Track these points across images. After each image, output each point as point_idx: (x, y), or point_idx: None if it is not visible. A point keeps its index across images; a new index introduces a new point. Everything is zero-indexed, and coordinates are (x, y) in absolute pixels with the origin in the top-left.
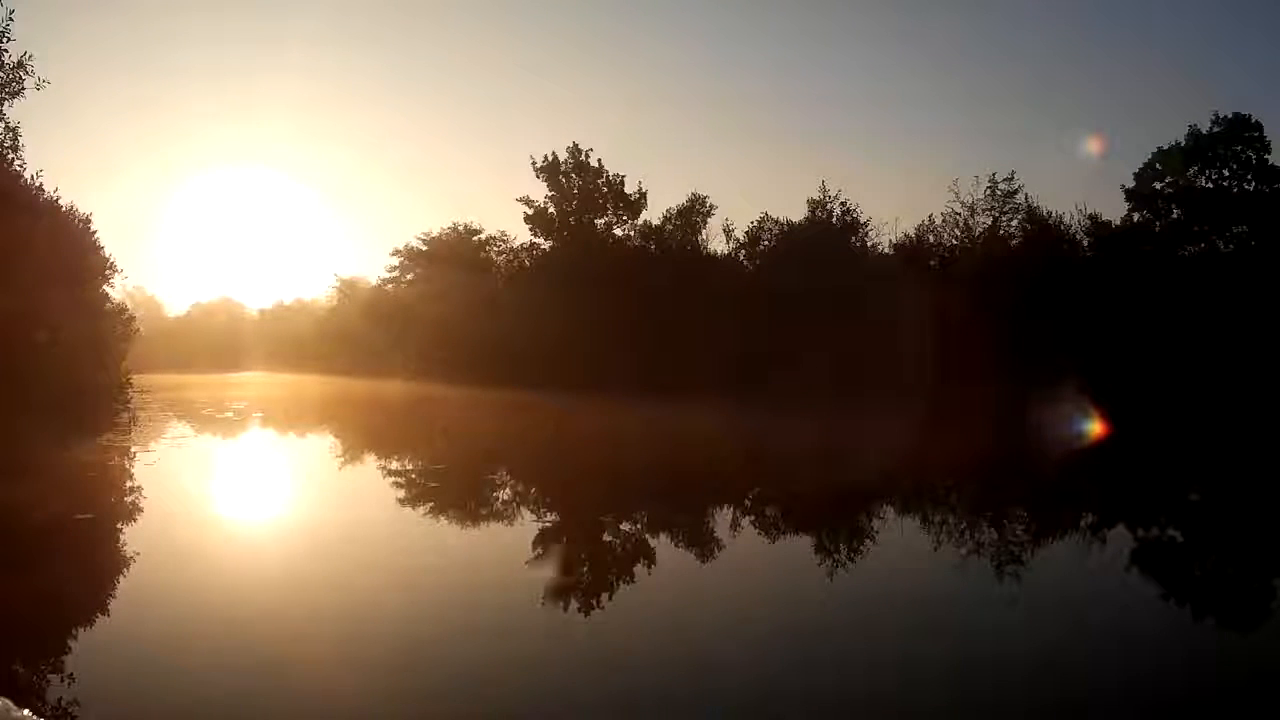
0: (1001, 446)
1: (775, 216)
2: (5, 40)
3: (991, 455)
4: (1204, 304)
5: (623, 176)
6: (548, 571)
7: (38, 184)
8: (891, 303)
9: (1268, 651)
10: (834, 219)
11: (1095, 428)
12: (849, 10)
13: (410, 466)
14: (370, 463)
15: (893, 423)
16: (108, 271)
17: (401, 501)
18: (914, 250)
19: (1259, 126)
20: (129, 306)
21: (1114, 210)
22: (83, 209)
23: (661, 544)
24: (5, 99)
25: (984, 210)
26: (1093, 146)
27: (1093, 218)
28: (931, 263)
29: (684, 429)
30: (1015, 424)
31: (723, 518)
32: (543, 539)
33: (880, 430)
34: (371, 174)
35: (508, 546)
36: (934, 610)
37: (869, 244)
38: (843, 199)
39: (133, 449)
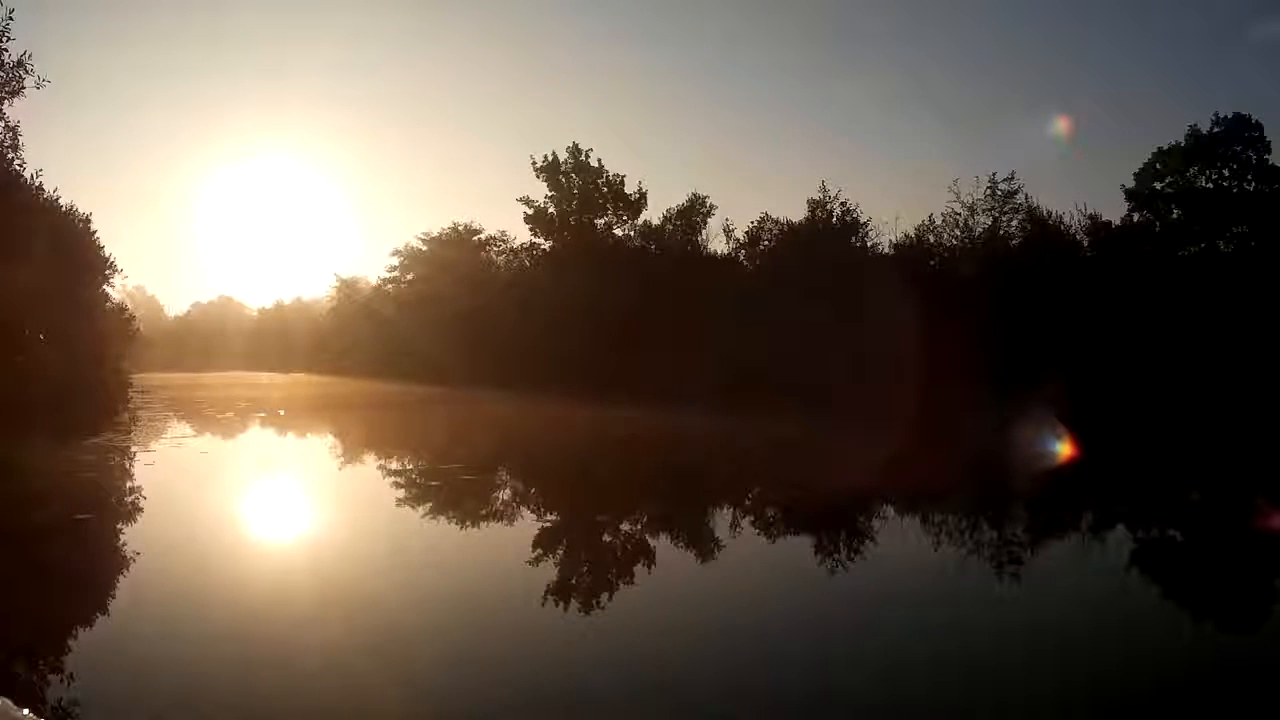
0: (984, 457)
1: (775, 216)
2: (5, 39)
3: (966, 468)
4: (1204, 304)
5: (623, 176)
6: (551, 563)
7: (37, 183)
8: (891, 303)
9: None
10: (834, 219)
11: (1066, 447)
12: (849, 11)
13: (406, 465)
14: (369, 462)
15: (882, 427)
16: (108, 271)
17: (399, 501)
18: (914, 250)
19: (1259, 126)
20: (129, 306)
21: (1114, 210)
22: (83, 209)
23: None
24: (5, 98)
25: (984, 210)
26: (1061, 127)
27: (1093, 218)
28: (931, 263)
29: (676, 435)
30: (1008, 431)
31: (702, 521)
32: (543, 538)
33: (866, 438)
34: (372, 174)
35: (502, 544)
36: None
37: (869, 244)
38: (843, 199)
39: (132, 449)
